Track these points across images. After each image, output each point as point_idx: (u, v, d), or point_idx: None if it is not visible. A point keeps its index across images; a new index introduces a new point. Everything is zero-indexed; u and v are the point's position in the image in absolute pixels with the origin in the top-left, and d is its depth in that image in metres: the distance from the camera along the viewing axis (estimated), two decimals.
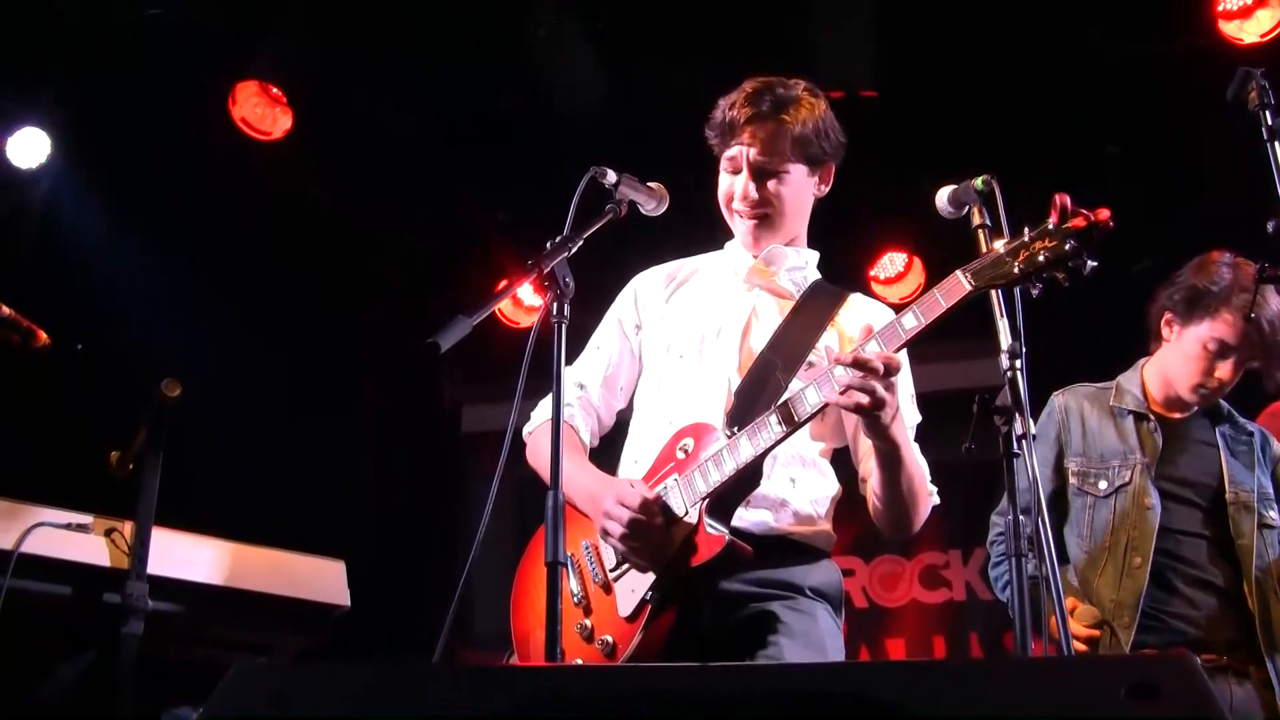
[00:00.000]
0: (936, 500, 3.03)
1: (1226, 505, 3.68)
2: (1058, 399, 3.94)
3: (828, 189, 3.16)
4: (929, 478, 2.99)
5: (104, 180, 6.22)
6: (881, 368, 2.57)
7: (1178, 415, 3.83)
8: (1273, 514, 3.72)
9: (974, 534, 6.88)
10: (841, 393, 2.61)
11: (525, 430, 3.17)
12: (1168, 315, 3.79)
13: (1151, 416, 3.82)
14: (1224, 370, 3.68)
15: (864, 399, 2.58)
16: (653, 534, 2.77)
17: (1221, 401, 3.84)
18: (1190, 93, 5.18)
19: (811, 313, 3.06)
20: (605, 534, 2.84)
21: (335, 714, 1.60)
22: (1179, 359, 3.76)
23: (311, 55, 5.92)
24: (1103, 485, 3.75)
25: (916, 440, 3.03)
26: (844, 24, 5.63)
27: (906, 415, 3.00)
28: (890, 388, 2.61)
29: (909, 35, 5.75)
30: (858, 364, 2.58)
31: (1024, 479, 2.40)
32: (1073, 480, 3.80)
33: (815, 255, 3.22)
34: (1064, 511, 3.82)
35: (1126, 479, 3.72)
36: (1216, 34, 5.36)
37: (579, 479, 2.93)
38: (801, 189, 3.09)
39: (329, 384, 6.67)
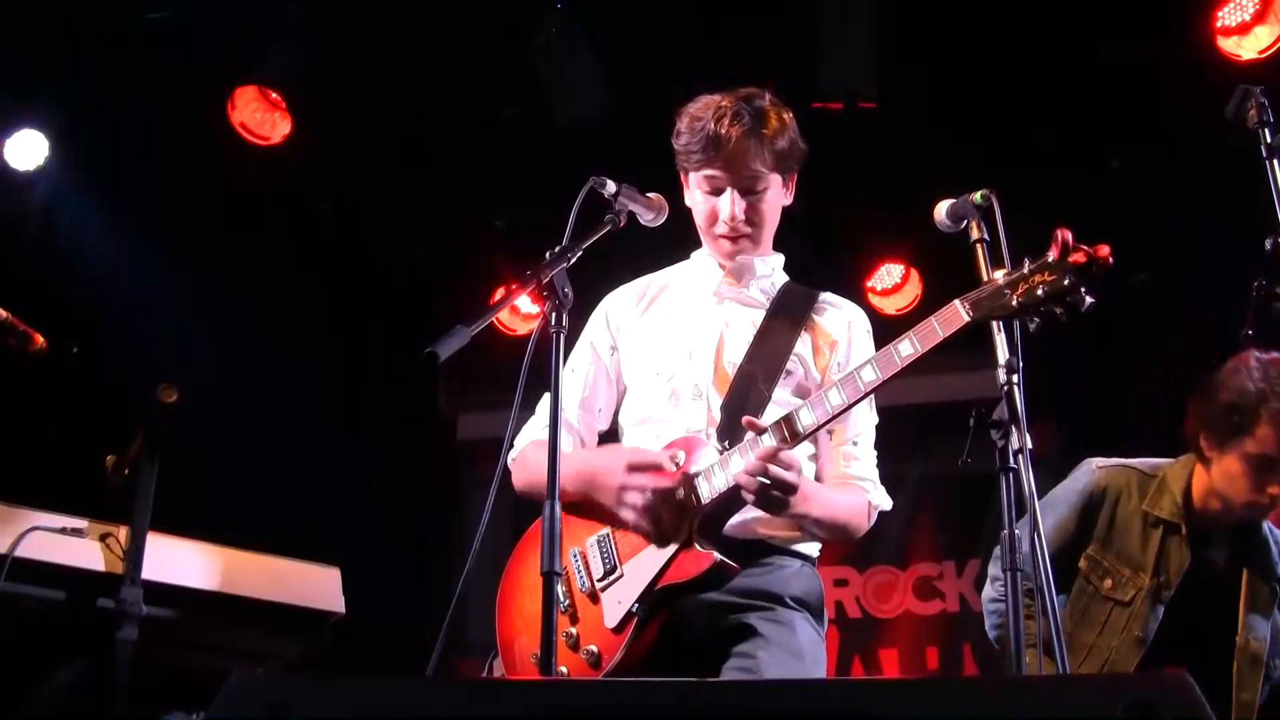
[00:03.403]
0: (887, 505, 3.04)
1: (1234, 649, 3.49)
2: (1099, 475, 3.70)
3: (792, 198, 3.19)
4: (868, 497, 3.00)
5: (102, 183, 6.21)
6: (771, 469, 2.67)
7: (1214, 529, 3.59)
8: (1276, 662, 3.54)
9: (968, 546, 6.90)
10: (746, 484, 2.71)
11: (509, 459, 3.14)
12: (1203, 436, 3.55)
13: (1184, 529, 3.57)
14: (1276, 485, 3.45)
15: (750, 497, 2.71)
16: (675, 498, 2.79)
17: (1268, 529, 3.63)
18: (1190, 108, 5.19)
19: (784, 319, 3.09)
20: (625, 504, 2.83)
21: None
22: (1225, 478, 3.51)
23: (311, 61, 5.91)
24: (1108, 584, 3.59)
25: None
26: (846, 36, 5.63)
27: (863, 417, 3.06)
28: (785, 486, 2.69)
29: (909, 48, 5.75)
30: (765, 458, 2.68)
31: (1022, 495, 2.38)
32: (1083, 564, 3.64)
33: (780, 259, 3.24)
34: (1063, 579, 3.63)
35: (1128, 598, 3.56)
36: (1215, 50, 5.37)
37: (574, 463, 2.91)
38: (777, 201, 3.13)
39: (326, 391, 6.66)
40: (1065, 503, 3.69)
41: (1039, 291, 2.50)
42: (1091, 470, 3.73)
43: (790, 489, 2.70)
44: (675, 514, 2.80)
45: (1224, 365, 3.53)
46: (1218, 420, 3.49)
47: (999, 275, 2.58)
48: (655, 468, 2.82)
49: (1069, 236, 2.49)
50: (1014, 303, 2.53)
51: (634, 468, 2.82)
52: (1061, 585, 3.62)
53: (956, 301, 2.62)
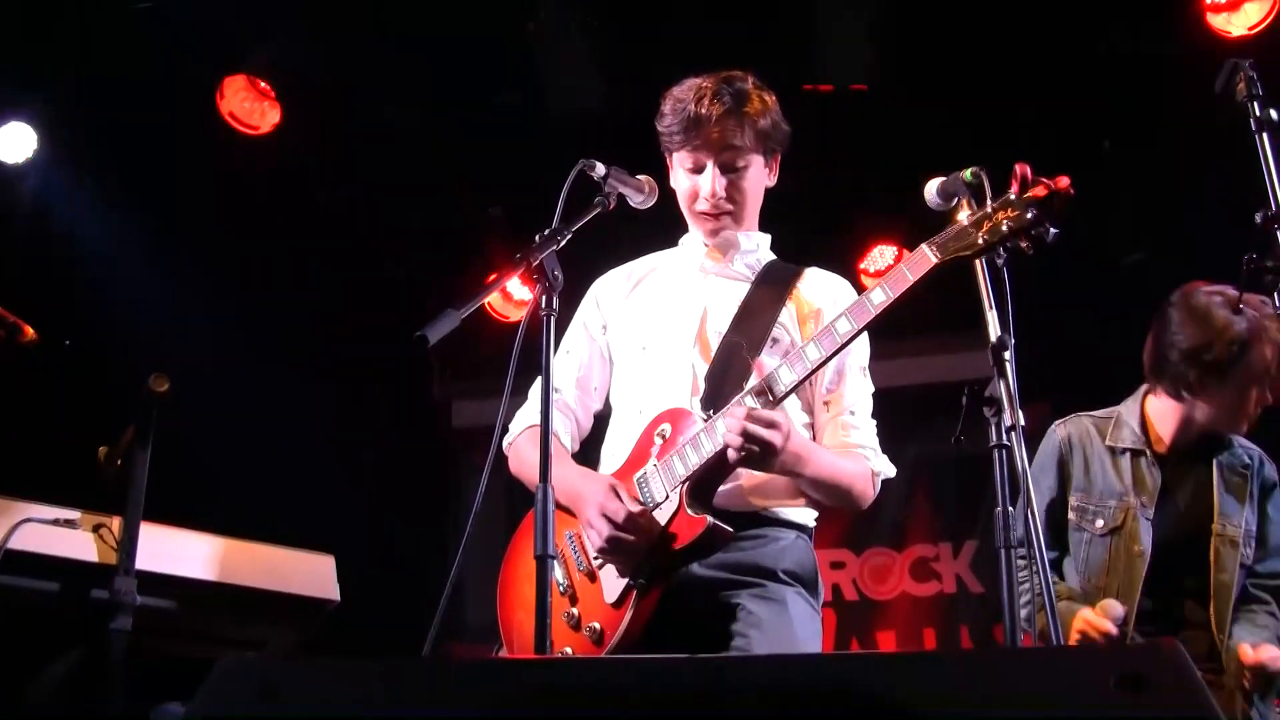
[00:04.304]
0: (890, 472, 3.06)
1: (1212, 537, 3.62)
2: (1059, 430, 3.85)
3: (775, 180, 3.22)
4: (869, 464, 3.02)
5: (92, 175, 6.19)
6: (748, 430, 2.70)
7: (1178, 451, 3.72)
8: (1248, 551, 3.65)
9: (965, 527, 6.92)
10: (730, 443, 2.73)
11: (505, 443, 3.20)
12: (1190, 385, 3.60)
13: (1148, 452, 3.73)
14: (1266, 397, 3.63)
15: (733, 455, 2.73)
16: (633, 545, 2.82)
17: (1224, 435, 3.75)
18: (1180, 86, 5.19)
19: (769, 290, 3.12)
20: (589, 540, 2.90)
21: (324, 708, 1.60)
22: (1223, 412, 3.62)
23: (301, 50, 5.90)
24: (1099, 524, 3.70)
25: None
26: (839, 20, 5.63)
27: (859, 386, 3.09)
28: (765, 443, 2.71)
29: (901, 29, 5.74)
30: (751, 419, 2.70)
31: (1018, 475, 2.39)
32: (1072, 516, 3.75)
33: (766, 237, 3.27)
34: (1064, 546, 3.77)
35: (1119, 521, 3.67)
36: (1205, 27, 5.36)
37: (562, 475, 2.94)
38: (759, 180, 3.16)
39: (319, 380, 6.65)
40: (1044, 471, 3.80)
41: (1003, 227, 2.53)
42: (1054, 430, 3.86)
43: (770, 447, 2.71)
44: (630, 556, 2.82)
45: (1181, 308, 3.63)
46: (1216, 367, 3.54)
47: (963, 216, 2.61)
48: (619, 518, 2.81)
49: (1028, 171, 2.52)
50: (979, 240, 2.56)
51: (603, 512, 2.83)
52: (1058, 544, 3.76)
53: (924, 245, 2.66)
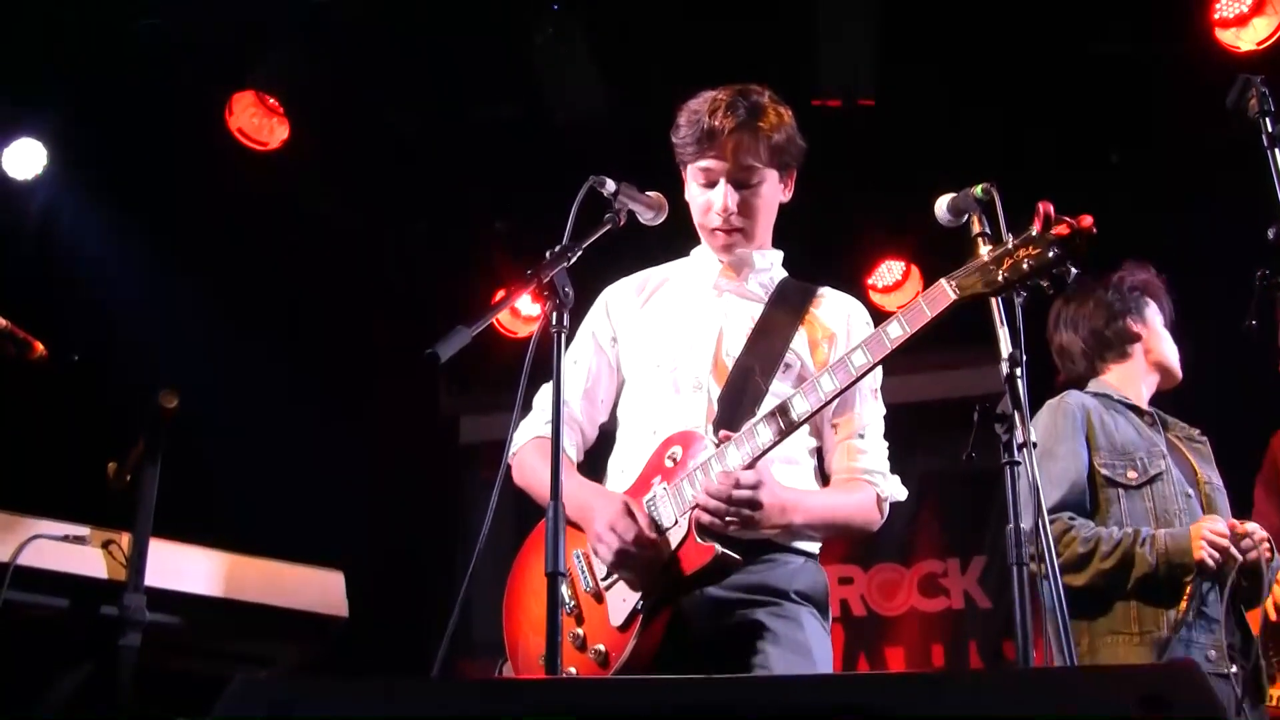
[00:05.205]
0: (900, 496, 3.04)
1: (1200, 486, 3.76)
2: (1070, 398, 3.88)
3: (790, 195, 3.19)
4: (876, 490, 3.00)
5: (101, 191, 6.20)
6: (733, 495, 2.72)
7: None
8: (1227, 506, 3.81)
9: (973, 543, 6.89)
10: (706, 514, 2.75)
11: (509, 455, 3.15)
12: (1131, 332, 3.97)
13: (1146, 411, 3.90)
14: (1171, 341, 4.03)
15: (714, 524, 2.74)
16: (642, 561, 2.79)
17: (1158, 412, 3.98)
18: (1189, 100, 5.19)
19: (782, 313, 3.09)
20: (596, 554, 2.86)
21: None
22: (1165, 345, 4.00)
23: (309, 66, 5.91)
24: (1132, 475, 3.74)
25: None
26: (844, 33, 5.63)
27: (870, 408, 3.07)
28: (753, 504, 2.73)
29: (909, 44, 5.75)
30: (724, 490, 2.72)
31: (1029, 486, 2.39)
32: (1103, 472, 3.77)
33: (779, 255, 3.24)
34: (1095, 507, 3.77)
35: (1162, 468, 3.74)
36: (1213, 42, 5.37)
37: (571, 489, 2.91)
38: (773, 196, 3.13)
39: (327, 395, 6.65)
40: (1072, 434, 3.81)
41: (1024, 265, 2.51)
42: (1063, 401, 3.89)
43: (750, 518, 2.73)
44: (639, 572, 2.79)
45: (1074, 304, 4.05)
46: (1136, 303, 3.98)
47: (984, 252, 2.59)
48: (629, 536, 2.78)
49: (1050, 209, 2.50)
50: (999, 278, 2.54)
51: (613, 528, 2.80)
52: (1093, 506, 3.79)
53: (943, 280, 2.64)
